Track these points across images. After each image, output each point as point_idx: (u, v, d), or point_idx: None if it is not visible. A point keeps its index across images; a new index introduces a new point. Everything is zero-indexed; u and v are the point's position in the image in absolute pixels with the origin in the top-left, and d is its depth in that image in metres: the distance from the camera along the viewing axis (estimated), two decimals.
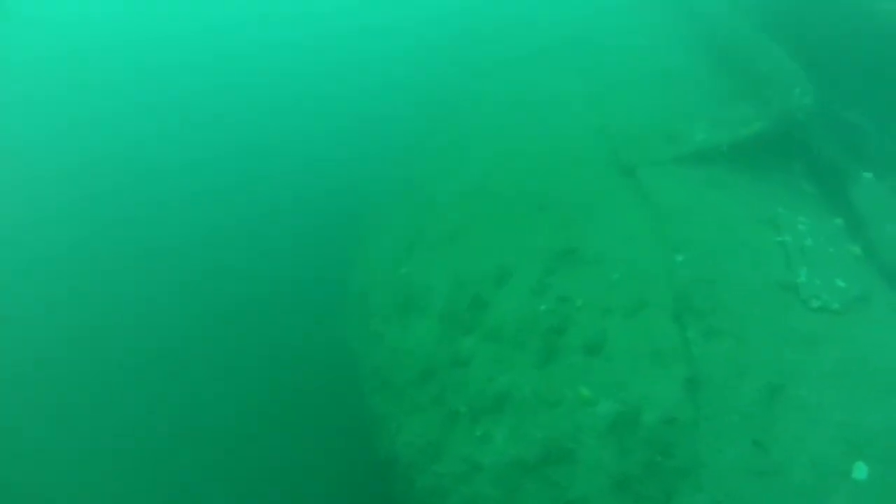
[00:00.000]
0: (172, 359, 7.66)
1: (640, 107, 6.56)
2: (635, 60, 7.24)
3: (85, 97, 12.63)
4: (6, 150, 11.67)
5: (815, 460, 3.82)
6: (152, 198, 10.17)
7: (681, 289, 4.75)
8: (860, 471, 3.78)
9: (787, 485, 3.75)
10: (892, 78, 5.77)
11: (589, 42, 7.97)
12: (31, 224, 9.77)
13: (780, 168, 5.79)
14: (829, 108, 5.51)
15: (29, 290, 8.83)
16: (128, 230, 9.69)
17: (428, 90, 8.83)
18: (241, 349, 7.63)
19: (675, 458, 3.98)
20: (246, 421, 6.87)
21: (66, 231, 9.63)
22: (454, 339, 5.19)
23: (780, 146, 5.72)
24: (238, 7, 15.32)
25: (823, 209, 5.48)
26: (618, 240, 5.31)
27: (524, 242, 5.65)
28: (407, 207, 7.08)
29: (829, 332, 4.47)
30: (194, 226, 9.55)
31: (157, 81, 13.05)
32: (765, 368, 4.25)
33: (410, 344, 5.42)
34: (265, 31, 14.37)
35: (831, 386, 4.16)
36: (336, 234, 7.81)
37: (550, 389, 4.56)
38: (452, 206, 6.52)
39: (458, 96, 8.25)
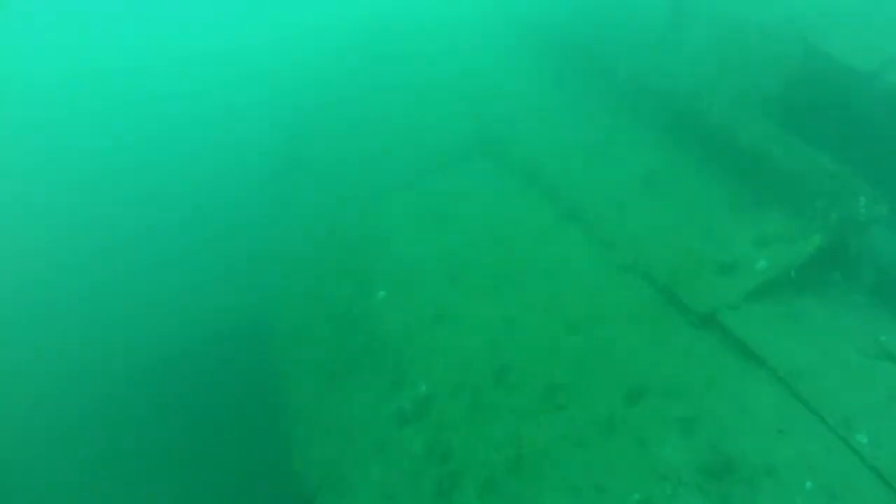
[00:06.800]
0: None
1: (654, 227, 5.50)
2: (617, 163, 6.14)
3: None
4: None
5: None
6: None
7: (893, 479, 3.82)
8: None
9: None
10: None
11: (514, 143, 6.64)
12: None
13: (838, 284, 5.23)
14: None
15: None
16: None
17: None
18: None
19: None
20: None
21: None
22: None
23: (837, 260, 5.16)
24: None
25: None
26: (767, 430, 4.17)
27: (645, 460, 4.17)
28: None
29: None
30: None
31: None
32: None
33: None
34: None
35: None
36: None
37: None
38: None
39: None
